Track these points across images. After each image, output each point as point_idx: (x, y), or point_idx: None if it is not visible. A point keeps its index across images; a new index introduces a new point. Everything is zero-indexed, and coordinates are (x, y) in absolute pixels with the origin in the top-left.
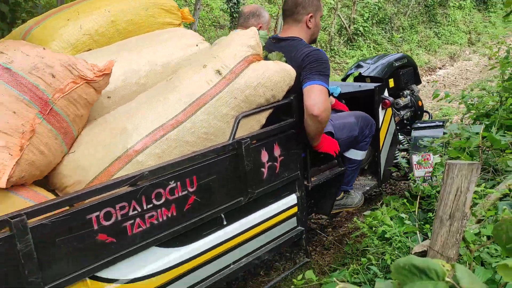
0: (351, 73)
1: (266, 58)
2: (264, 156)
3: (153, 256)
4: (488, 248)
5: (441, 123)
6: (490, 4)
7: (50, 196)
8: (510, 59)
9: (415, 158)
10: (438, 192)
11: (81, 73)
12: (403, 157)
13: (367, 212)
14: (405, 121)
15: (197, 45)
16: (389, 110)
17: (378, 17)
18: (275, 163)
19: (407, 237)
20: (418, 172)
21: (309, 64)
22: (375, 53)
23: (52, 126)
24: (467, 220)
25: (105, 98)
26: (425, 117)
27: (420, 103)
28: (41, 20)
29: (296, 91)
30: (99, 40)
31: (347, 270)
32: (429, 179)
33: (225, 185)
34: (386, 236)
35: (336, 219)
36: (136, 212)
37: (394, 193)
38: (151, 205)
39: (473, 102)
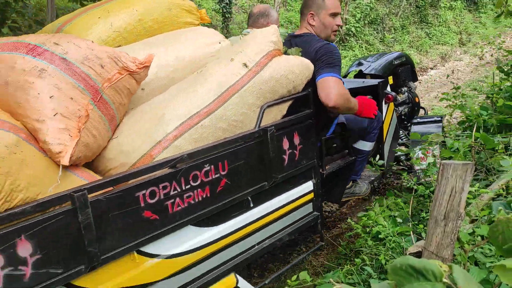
0: (352, 71)
1: (285, 53)
2: (286, 144)
3: (188, 234)
4: (482, 248)
5: (439, 119)
6: (481, 4)
7: (98, 177)
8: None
9: (417, 153)
10: (432, 192)
11: (125, 65)
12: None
13: (361, 213)
14: (403, 117)
15: (219, 43)
16: (391, 105)
17: (370, 18)
18: (295, 151)
19: (401, 237)
20: (418, 165)
21: (320, 57)
22: (367, 54)
23: (102, 112)
24: (462, 220)
25: (139, 90)
26: (421, 113)
27: (417, 100)
28: (72, 18)
29: (311, 84)
30: (127, 37)
31: (341, 270)
32: (421, 173)
33: (251, 170)
34: (380, 236)
35: (329, 220)
36: (176, 192)
37: (396, 188)
38: (188, 186)
39: (464, 103)
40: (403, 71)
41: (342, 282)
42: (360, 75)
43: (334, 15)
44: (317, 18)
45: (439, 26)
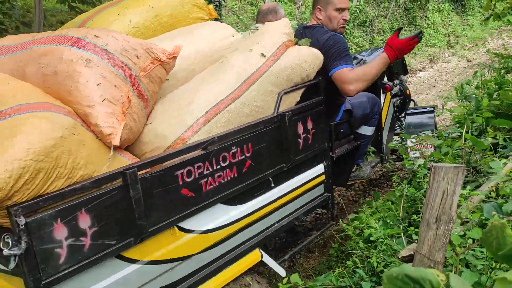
0: None
1: (296, 43)
2: (300, 129)
3: (218, 212)
4: (473, 250)
5: (431, 109)
6: (468, 7)
7: (137, 159)
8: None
9: (409, 141)
10: (423, 195)
11: (156, 56)
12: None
13: (352, 215)
14: (395, 108)
15: (233, 36)
16: (388, 94)
17: (359, 20)
18: (308, 135)
19: (392, 239)
20: (412, 153)
21: (328, 49)
22: None
23: (139, 99)
24: (454, 223)
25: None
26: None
27: (408, 92)
28: (93, 14)
29: (321, 73)
30: (145, 33)
31: (333, 273)
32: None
33: (272, 152)
34: (371, 239)
35: (321, 221)
36: (208, 171)
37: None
38: (219, 166)
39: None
40: (395, 65)
41: (334, 286)
42: None
43: (340, 10)
44: (323, 13)
45: (427, 28)
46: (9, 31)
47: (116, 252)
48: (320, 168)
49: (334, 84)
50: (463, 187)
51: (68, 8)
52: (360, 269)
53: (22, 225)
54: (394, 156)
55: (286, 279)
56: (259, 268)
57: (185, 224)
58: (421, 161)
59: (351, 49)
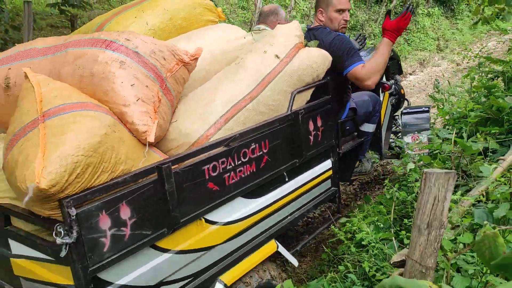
0: None
1: (305, 45)
2: (311, 126)
3: (239, 205)
4: (464, 255)
5: (426, 109)
6: (457, 11)
7: (165, 155)
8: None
9: (406, 139)
10: (414, 199)
11: (180, 57)
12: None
13: (343, 219)
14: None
15: (244, 37)
16: (387, 94)
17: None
18: (318, 132)
19: (383, 244)
20: (408, 150)
21: (337, 50)
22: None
23: (167, 98)
24: (445, 229)
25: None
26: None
27: (402, 91)
28: (111, 17)
29: (330, 73)
30: (161, 35)
31: (325, 278)
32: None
33: (285, 149)
34: (363, 243)
35: (312, 225)
36: (231, 166)
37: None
38: (240, 162)
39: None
40: (392, 65)
41: None
42: None
43: (340, 11)
44: (325, 14)
45: (417, 32)
46: None
47: (151, 242)
48: (328, 164)
49: (340, 83)
50: (454, 191)
51: (58, 12)
52: (352, 273)
53: (73, 216)
54: (389, 154)
55: (279, 285)
56: (273, 258)
57: (210, 216)
58: (411, 165)
59: None
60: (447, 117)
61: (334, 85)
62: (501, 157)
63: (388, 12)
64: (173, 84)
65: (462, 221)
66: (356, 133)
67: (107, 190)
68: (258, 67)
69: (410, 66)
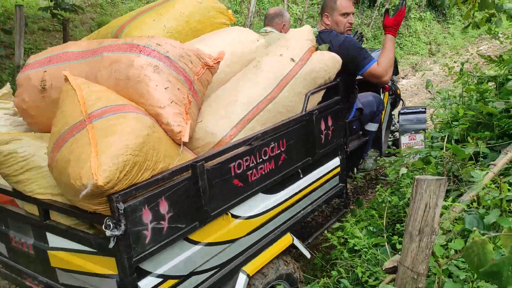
0: None
1: (317, 49)
2: (323, 126)
3: (259, 200)
4: (456, 260)
5: (423, 109)
6: (449, 16)
7: (194, 154)
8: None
9: (403, 139)
10: (406, 203)
11: (205, 61)
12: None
13: (336, 224)
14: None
15: (258, 40)
16: (386, 94)
17: None
18: (329, 131)
19: (376, 249)
20: (405, 149)
21: (348, 52)
22: None
23: (195, 100)
24: (436, 235)
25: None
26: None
27: (398, 92)
28: (130, 20)
29: (339, 75)
30: (178, 38)
31: (318, 284)
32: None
33: (300, 147)
34: (355, 248)
35: (305, 230)
36: (253, 164)
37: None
38: (261, 160)
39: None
40: None
41: None
42: None
43: (345, 14)
44: (331, 18)
45: (409, 36)
46: None
47: (185, 235)
48: (336, 161)
49: (348, 84)
50: (446, 196)
51: (50, 15)
52: (345, 279)
53: (121, 210)
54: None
55: None
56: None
57: (234, 211)
58: (403, 170)
59: None
60: (438, 120)
61: (343, 86)
62: (492, 162)
63: (387, 11)
64: (199, 86)
65: (453, 226)
66: (361, 132)
67: (149, 186)
68: (276, 70)
69: (402, 70)
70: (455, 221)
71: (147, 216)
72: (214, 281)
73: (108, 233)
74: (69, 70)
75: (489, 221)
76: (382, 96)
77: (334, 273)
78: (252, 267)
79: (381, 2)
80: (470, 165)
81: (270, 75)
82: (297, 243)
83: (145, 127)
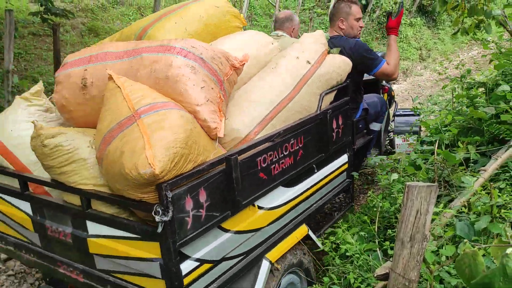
0: None
1: (328, 52)
2: (334, 124)
3: (279, 192)
4: (448, 266)
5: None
6: (439, 21)
7: (225, 149)
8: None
9: (397, 140)
10: (397, 209)
11: (232, 63)
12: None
13: (329, 230)
14: None
15: (272, 43)
16: (385, 95)
17: None
18: (339, 130)
19: (368, 254)
20: (399, 150)
21: (359, 55)
22: None
23: (224, 99)
24: (427, 241)
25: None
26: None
27: (392, 93)
28: (153, 22)
29: (349, 77)
30: (197, 40)
31: None
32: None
33: (315, 144)
34: (347, 254)
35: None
36: (276, 159)
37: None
38: (282, 155)
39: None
40: None
41: None
42: None
43: (358, 19)
44: (346, 23)
45: (400, 42)
46: None
47: (218, 223)
48: (344, 158)
49: (356, 85)
50: (437, 201)
51: (41, 20)
52: (336, 285)
53: (169, 198)
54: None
55: None
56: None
57: (259, 202)
58: (395, 176)
59: None
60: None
61: (352, 88)
62: (482, 168)
63: (390, 14)
64: (228, 86)
65: (445, 232)
66: (365, 131)
67: (191, 176)
68: (293, 71)
69: None
70: (446, 227)
71: (189, 204)
72: (241, 267)
73: (157, 218)
74: (109, 69)
75: (479, 227)
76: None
77: (326, 279)
78: (274, 254)
79: (372, 8)
80: (461, 171)
81: (289, 76)
82: (311, 233)
83: (189, 123)
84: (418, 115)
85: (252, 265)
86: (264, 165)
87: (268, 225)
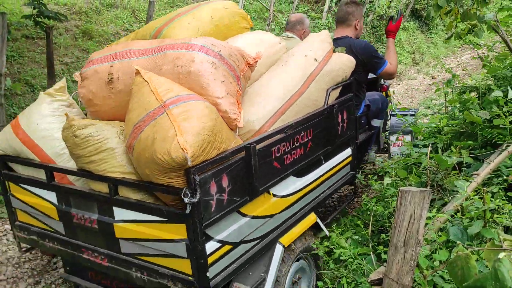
0: None
1: (334, 51)
2: (339, 118)
3: (290, 181)
4: (441, 271)
5: (413, 112)
6: (432, 26)
7: (242, 140)
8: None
9: (392, 138)
10: (390, 213)
11: (247, 60)
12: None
13: (322, 234)
14: None
15: (279, 43)
16: (384, 93)
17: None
18: (344, 124)
19: (362, 259)
20: (393, 149)
21: (368, 56)
22: None
23: (241, 92)
24: (421, 246)
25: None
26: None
27: (389, 93)
28: (167, 22)
29: (353, 74)
30: None
31: None
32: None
33: (323, 136)
34: (341, 258)
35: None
36: (288, 149)
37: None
38: (294, 146)
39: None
40: None
41: None
42: None
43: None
44: (359, 24)
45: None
46: None
47: (238, 207)
48: (348, 151)
49: (359, 83)
50: (430, 206)
51: (33, 23)
52: None
53: (197, 181)
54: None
55: None
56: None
57: (273, 190)
58: (388, 180)
59: None
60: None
61: (355, 84)
62: (475, 172)
63: (391, 18)
64: (244, 81)
65: (438, 237)
66: (367, 127)
67: (216, 162)
68: (302, 68)
69: None
70: (439, 231)
71: (213, 188)
72: (257, 250)
73: (186, 200)
74: (135, 65)
75: (472, 232)
76: None
77: (320, 283)
78: (286, 239)
79: (365, 12)
80: (454, 175)
81: (298, 73)
82: (319, 221)
83: (213, 113)
84: (414, 115)
85: (267, 248)
86: (277, 155)
87: (281, 212)
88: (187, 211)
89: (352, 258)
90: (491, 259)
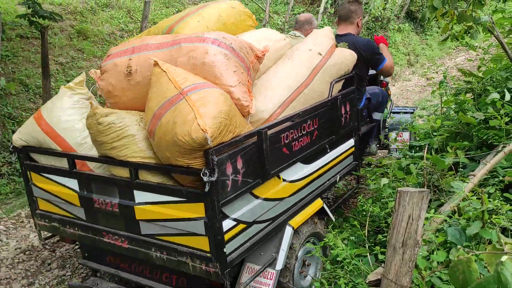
0: None
1: (336, 46)
2: (342, 110)
3: (298, 168)
4: (440, 272)
5: (412, 111)
6: (427, 27)
7: (252, 127)
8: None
9: (392, 135)
10: (387, 213)
11: (256, 53)
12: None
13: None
14: None
15: (284, 39)
16: (383, 89)
17: None
18: (347, 116)
19: (359, 259)
20: (393, 146)
21: (370, 52)
22: None
23: (252, 82)
24: (419, 247)
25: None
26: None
27: (389, 92)
28: (178, 21)
29: (355, 68)
30: None
31: None
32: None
33: (327, 126)
34: (338, 259)
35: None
36: (296, 136)
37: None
38: (301, 134)
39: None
40: None
41: None
42: None
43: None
44: (360, 22)
45: (388, 47)
46: None
47: (251, 189)
48: (351, 142)
49: (361, 77)
50: (429, 209)
51: (28, 23)
52: None
53: (215, 162)
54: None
55: None
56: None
57: (282, 174)
58: (385, 180)
59: None
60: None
61: (357, 78)
62: (471, 173)
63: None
64: (253, 73)
65: (436, 238)
66: (368, 119)
67: (231, 145)
68: (307, 62)
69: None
70: (436, 232)
71: (229, 169)
72: (268, 231)
73: (205, 179)
74: (152, 57)
75: (471, 233)
76: None
77: (317, 284)
78: (295, 222)
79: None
80: (450, 175)
81: (304, 66)
82: (325, 207)
83: (228, 99)
84: (413, 113)
85: (278, 229)
86: (286, 141)
87: (290, 195)
88: (206, 189)
89: (349, 258)
90: (492, 262)
